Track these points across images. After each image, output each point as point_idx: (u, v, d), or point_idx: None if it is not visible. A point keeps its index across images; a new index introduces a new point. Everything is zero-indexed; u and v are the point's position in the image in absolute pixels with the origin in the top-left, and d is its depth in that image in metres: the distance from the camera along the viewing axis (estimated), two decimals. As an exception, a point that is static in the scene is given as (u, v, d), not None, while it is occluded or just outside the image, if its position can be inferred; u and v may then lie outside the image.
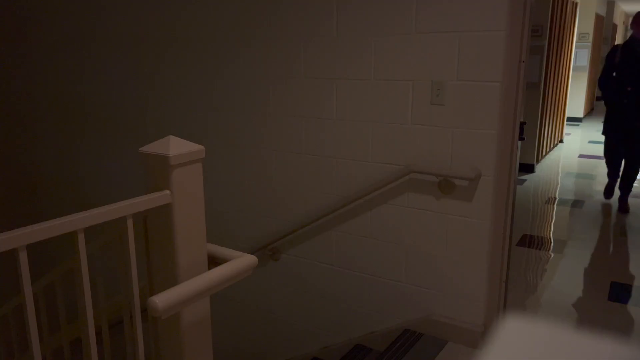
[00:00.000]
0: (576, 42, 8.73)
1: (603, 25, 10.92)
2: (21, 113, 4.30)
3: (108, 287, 1.77)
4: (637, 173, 4.93)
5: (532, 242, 4.22)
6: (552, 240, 4.27)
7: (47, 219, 1.28)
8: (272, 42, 2.85)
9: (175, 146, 1.51)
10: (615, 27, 13.39)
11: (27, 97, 4.22)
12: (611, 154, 5.15)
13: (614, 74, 4.74)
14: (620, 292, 3.34)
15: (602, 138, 5.12)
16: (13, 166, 4.47)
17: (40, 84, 4.11)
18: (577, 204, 5.21)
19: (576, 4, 7.80)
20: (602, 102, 5.16)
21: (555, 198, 5.47)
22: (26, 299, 1.25)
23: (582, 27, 9.19)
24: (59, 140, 4.12)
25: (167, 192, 1.50)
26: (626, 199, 4.99)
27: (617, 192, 5.16)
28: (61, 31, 3.84)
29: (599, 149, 7.64)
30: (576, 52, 9.03)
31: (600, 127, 4.90)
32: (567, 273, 3.61)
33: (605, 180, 5.34)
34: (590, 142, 8.37)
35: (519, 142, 2.38)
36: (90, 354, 1.45)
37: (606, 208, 5.06)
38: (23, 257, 1.24)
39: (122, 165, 3.76)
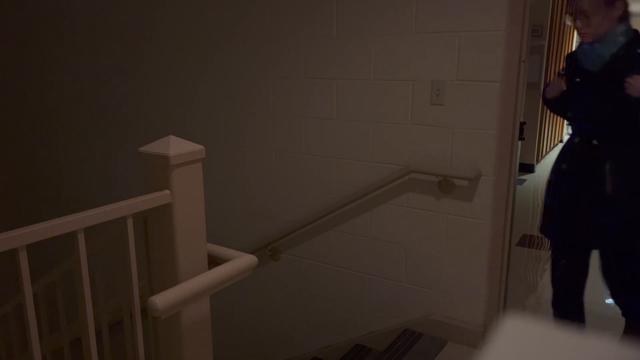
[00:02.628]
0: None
1: (603, 25, 10.90)
2: (21, 113, 4.30)
3: (108, 287, 1.77)
4: None
5: (532, 242, 4.22)
6: (552, 240, 4.27)
7: (47, 219, 1.28)
8: (271, 42, 2.85)
9: (175, 146, 1.50)
10: (615, 27, 13.36)
11: (27, 97, 4.22)
12: (571, 283, 2.47)
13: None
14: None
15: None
16: (13, 166, 4.47)
17: (40, 84, 4.11)
18: (577, 204, 5.20)
19: (576, 4, 7.79)
20: None
21: (555, 198, 5.46)
22: (26, 299, 1.25)
23: (582, 27, 9.17)
24: (59, 140, 4.12)
25: (167, 192, 1.50)
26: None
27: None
28: (60, 32, 3.84)
29: (599, 149, 7.63)
30: (576, 52, 9.02)
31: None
32: (567, 273, 3.60)
33: None
34: (590, 142, 8.36)
35: (519, 142, 2.38)
36: (90, 354, 1.45)
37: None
38: (23, 257, 1.24)
39: (122, 165, 3.76)
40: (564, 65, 2.34)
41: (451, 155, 2.43)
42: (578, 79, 2.23)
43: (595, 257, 2.43)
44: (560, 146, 8.15)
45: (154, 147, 1.52)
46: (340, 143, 2.75)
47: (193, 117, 3.28)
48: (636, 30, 2.06)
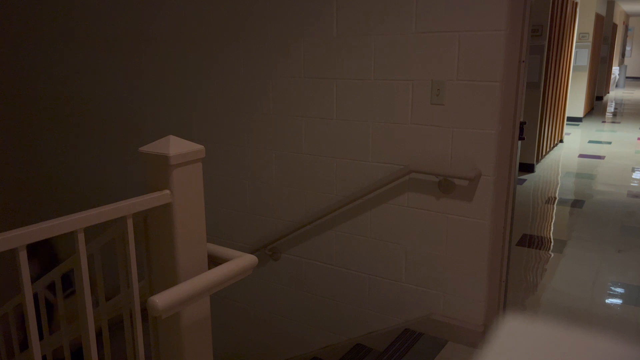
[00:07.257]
0: (576, 41, 8.73)
1: (603, 25, 10.91)
2: (22, 113, 4.30)
3: (108, 287, 1.77)
4: None
5: (532, 241, 4.22)
6: (552, 240, 4.27)
7: (47, 219, 1.28)
8: (271, 42, 2.85)
9: (175, 146, 1.51)
10: (615, 26, 13.40)
11: (28, 97, 4.22)
12: None
13: None
14: (620, 292, 3.34)
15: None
16: (13, 166, 4.47)
17: (40, 84, 4.11)
18: (577, 203, 5.21)
19: (576, 3, 7.80)
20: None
21: (555, 198, 5.47)
22: (26, 299, 1.25)
23: (582, 27, 9.19)
24: (60, 140, 4.12)
25: (167, 192, 1.50)
26: None
27: None
28: (61, 32, 3.84)
29: (599, 149, 7.65)
30: (576, 52, 9.03)
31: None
32: (567, 273, 3.61)
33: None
34: (590, 142, 8.37)
35: (519, 142, 2.38)
36: (90, 354, 1.45)
37: (606, 208, 5.06)
38: (23, 257, 1.24)
39: (122, 166, 3.76)
40: None
41: (451, 155, 2.43)
42: None
43: None
44: (560, 146, 8.15)
45: (154, 147, 1.52)
46: (340, 143, 2.75)
47: (193, 117, 3.27)
48: None
